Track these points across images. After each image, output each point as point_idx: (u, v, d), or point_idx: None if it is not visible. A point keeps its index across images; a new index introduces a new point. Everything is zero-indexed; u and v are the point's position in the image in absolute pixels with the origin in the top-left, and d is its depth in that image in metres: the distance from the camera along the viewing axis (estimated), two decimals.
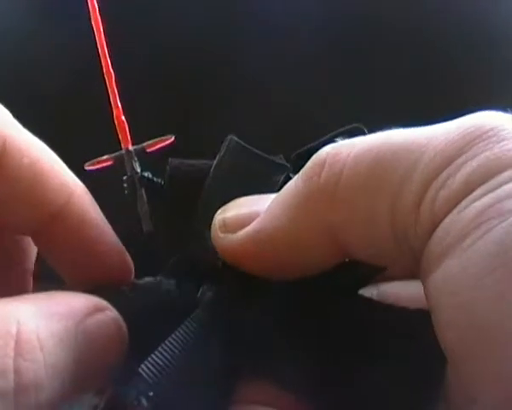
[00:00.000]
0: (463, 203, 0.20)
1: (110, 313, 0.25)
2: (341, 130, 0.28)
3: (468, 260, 0.20)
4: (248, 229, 0.25)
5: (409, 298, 0.25)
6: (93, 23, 0.26)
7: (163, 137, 0.27)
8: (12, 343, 0.22)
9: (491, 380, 0.19)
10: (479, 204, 0.20)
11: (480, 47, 0.44)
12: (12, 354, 0.21)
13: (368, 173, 0.23)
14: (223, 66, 0.42)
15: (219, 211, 0.27)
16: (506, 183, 0.20)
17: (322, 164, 0.24)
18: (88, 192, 0.28)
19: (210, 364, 0.25)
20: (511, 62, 0.45)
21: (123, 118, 0.26)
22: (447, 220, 0.21)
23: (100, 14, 0.40)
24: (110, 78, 0.26)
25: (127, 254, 0.29)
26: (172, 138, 0.27)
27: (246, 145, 0.28)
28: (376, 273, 0.27)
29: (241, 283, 0.26)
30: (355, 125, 0.28)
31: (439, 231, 0.21)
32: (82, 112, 0.42)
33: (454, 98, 0.43)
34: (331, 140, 0.28)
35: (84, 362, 0.24)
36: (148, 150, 0.27)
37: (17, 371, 0.21)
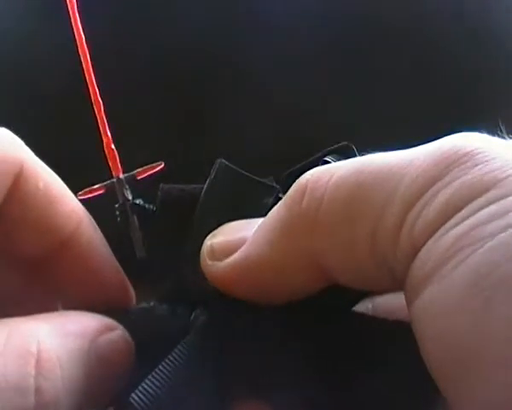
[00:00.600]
0: (440, 232, 0.21)
1: (120, 331, 0.26)
2: (331, 148, 0.28)
3: (447, 290, 0.20)
4: (235, 257, 0.26)
5: (404, 310, 0.25)
6: (82, 58, 0.26)
7: (153, 164, 0.27)
8: (33, 362, 0.22)
9: (476, 406, 0.19)
10: (454, 232, 0.20)
11: (484, 44, 0.43)
12: (33, 372, 0.22)
13: (348, 198, 0.23)
14: (224, 67, 0.41)
15: (208, 237, 0.27)
16: (481, 209, 0.20)
17: (303, 190, 0.24)
18: (93, 220, 0.28)
19: (202, 388, 0.25)
20: None
21: (113, 146, 0.26)
22: (425, 249, 0.21)
23: (100, 19, 0.40)
24: (99, 107, 0.26)
25: (129, 282, 0.29)
26: (162, 165, 0.28)
27: (235, 168, 0.28)
28: (360, 298, 0.27)
29: (232, 306, 0.26)
30: (344, 143, 0.28)
31: (418, 260, 0.21)
32: (82, 112, 0.42)
33: (457, 97, 0.43)
34: (320, 158, 0.28)
35: (96, 379, 0.24)
36: (139, 177, 0.27)
37: (38, 390, 0.22)
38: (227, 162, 0.28)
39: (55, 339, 0.23)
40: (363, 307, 0.28)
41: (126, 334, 0.26)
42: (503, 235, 0.19)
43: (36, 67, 0.43)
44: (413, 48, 0.42)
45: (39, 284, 0.30)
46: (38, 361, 0.22)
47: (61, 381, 0.23)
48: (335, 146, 0.28)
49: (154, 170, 0.27)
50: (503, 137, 0.23)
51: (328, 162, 0.28)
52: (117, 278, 0.29)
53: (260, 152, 0.41)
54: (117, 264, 0.29)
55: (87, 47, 0.35)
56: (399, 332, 0.24)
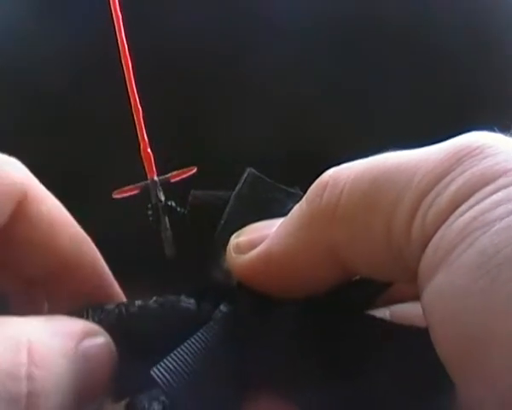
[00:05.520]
0: (451, 219, 0.21)
1: (103, 337, 0.27)
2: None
3: (455, 273, 0.21)
4: (258, 249, 0.27)
5: (420, 318, 0.25)
6: (123, 63, 0.27)
7: (186, 168, 0.29)
8: (24, 351, 0.23)
9: (486, 385, 0.20)
10: (464, 218, 0.21)
11: (484, 44, 0.45)
12: (25, 360, 0.23)
13: (365, 193, 0.24)
14: (224, 67, 0.42)
15: (234, 235, 0.28)
16: (490, 195, 0.21)
17: (324, 186, 0.25)
18: (93, 245, 0.30)
19: (221, 374, 0.26)
20: None
21: (149, 150, 0.28)
22: (436, 237, 0.22)
23: (99, 19, 0.40)
24: (138, 113, 0.27)
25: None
26: (195, 169, 0.29)
27: (263, 177, 0.29)
28: (383, 289, 0.28)
29: (254, 301, 0.27)
30: None
31: (429, 248, 0.22)
32: (84, 112, 0.42)
33: (457, 98, 0.44)
34: None
35: (82, 380, 0.25)
36: (172, 180, 0.28)
37: (30, 378, 0.23)
38: (256, 171, 0.29)
39: (44, 336, 0.24)
40: (381, 314, 0.29)
41: (110, 341, 0.27)
42: (509, 218, 0.20)
43: (37, 67, 0.43)
44: (413, 49, 0.43)
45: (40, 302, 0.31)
46: (30, 351, 0.23)
47: (52, 373, 0.24)
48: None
49: (188, 174, 0.29)
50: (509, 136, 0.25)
51: None
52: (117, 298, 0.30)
53: (260, 152, 0.42)
54: (116, 286, 0.30)
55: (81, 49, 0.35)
56: (415, 335, 0.26)
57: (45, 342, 0.24)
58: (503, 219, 0.20)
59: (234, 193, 0.29)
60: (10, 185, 0.27)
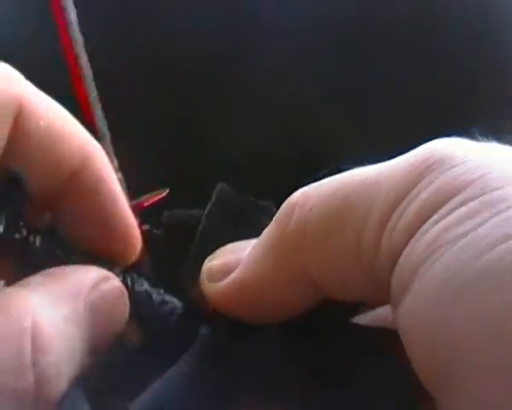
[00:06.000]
0: (418, 233, 0.21)
1: (113, 281, 0.26)
2: (328, 170, 0.29)
3: (423, 289, 0.20)
4: (231, 277, 0.26)
5: None
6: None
7: (158, 192, 0.29)
8: (28, 339, 0.22)
9: (463, 405, 0.20)
10: (431, 233, 0.21)
11: (484, 45, 0.44)
12: (29, 350, 0.21)
13: (334, 211, 0.24)
14: (224, 67, 0.42)
15: (207, 260, 0.28)
16: (456, 208, 0.21)
17: (293, 206, 0.25)
18: (104, 157, 0.27)
19: (203, 400, 0.26)
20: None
21: (120, 175, 0.28)
22: (405, 251, 0.21)
23: (99, 18, 0.40)
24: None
25: (137, 227, 0.28)
26: (166, 192, 0.29)
27: (235, 191, 0.29)
28: (355, 310, 0.28)
29: (232, 326, 0.27)
30: (346, 166, 0.29)
31: (399, 263, 0.22)
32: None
33: (457, 98, 0.44)
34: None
35: (94, 334, 0.24)
36: (145, 205, 0.28)
37: (36, 367, 0.22)
38: (226, 186, 0.29)
39: (50, 307, 0.23)
40: (369, 316, 0.29)
41: (120, 284, 0.26)
42: (473, 234, 0.20)
43: (36, 69, 0.43)
44: (413, 49, 0.43)
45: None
46: (34, 337, 0.22)
47: (60, 351, 0.23)
48: (332, 168, 0.29)
49: (159, 197, 0.29)
50: (501, 138, 0.24)
51: None
52: (125, 220, 0.28)
53: (260, 152, 0.42)
54: (127, 207, 0.28)
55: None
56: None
57: (51, 316, 0.23)
58: (467, 234, 0.20)
59: (206, 210, 0.29)
60: (3, 103, 0.24)
